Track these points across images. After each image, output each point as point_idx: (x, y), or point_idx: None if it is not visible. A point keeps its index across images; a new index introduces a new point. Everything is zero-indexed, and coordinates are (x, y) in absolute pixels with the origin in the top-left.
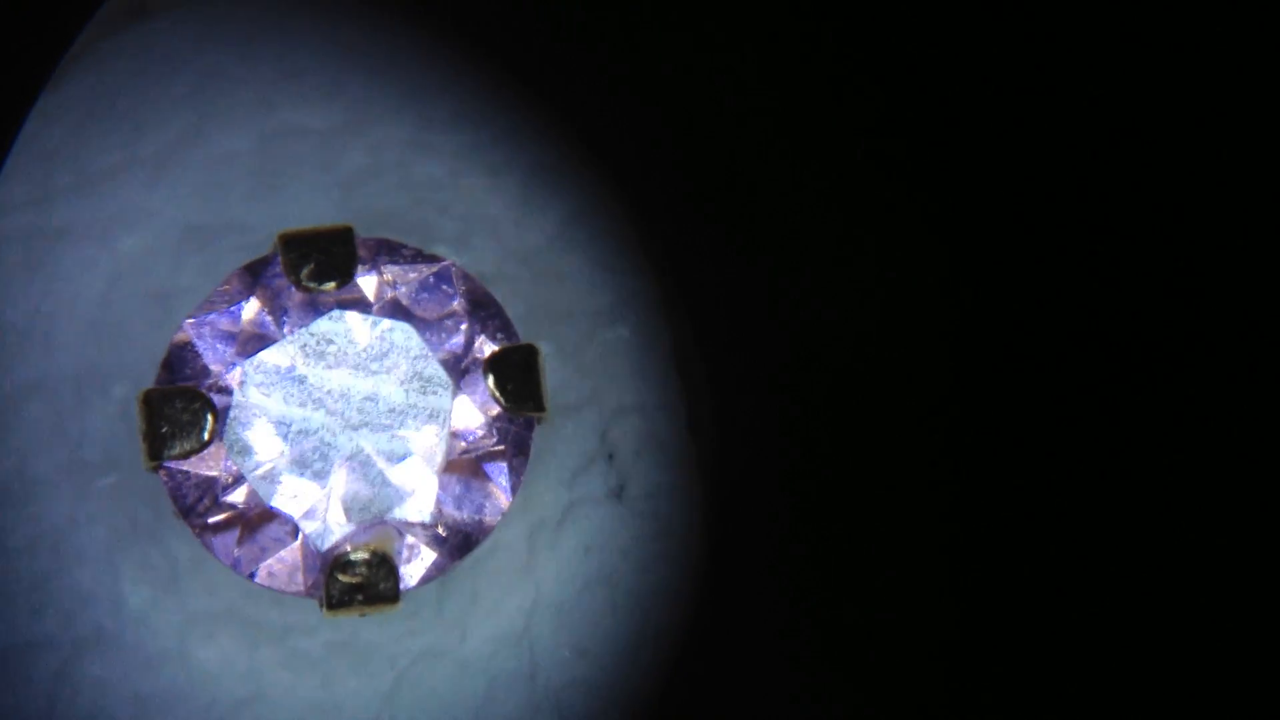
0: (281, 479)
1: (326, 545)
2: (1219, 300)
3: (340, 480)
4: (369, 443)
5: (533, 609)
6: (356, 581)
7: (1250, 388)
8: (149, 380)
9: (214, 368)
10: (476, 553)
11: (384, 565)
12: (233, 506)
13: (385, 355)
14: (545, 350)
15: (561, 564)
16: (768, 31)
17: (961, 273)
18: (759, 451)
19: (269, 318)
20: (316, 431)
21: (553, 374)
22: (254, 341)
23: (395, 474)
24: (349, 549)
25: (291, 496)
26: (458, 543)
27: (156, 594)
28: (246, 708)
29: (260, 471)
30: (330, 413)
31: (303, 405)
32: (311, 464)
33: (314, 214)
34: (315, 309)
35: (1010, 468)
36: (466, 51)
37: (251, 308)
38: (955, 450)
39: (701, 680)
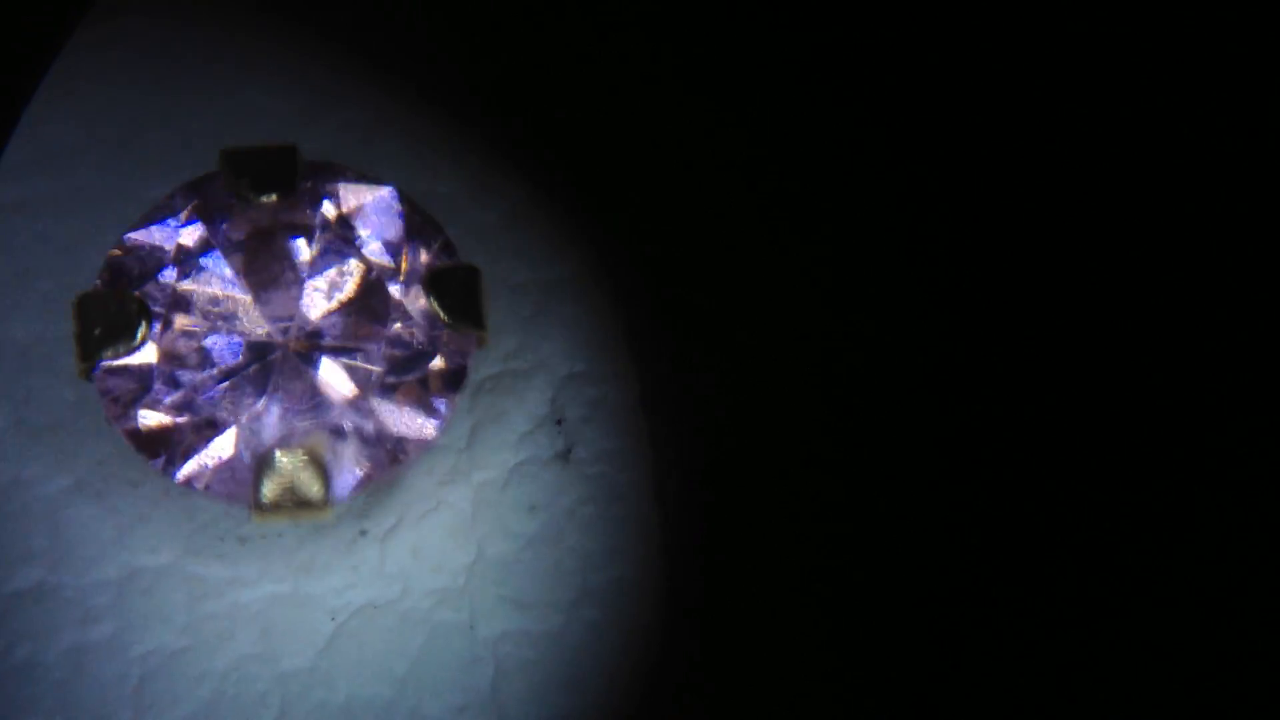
0: (215, 385)
1: (259, 445)
2: (1151, 296)
3: (275, 384)
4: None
5: (474, 564)
6: (286, 483)
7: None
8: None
9: (152, 277)
10: (420, 507)
11: (314, 467)
12: (166, 409)
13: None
14: (499, 320)
15: (505, 522)
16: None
17: (912, 250)
18: (711, 423)
19: (207, 229)
20: (253, 343)
21: (505, 341)
22: (193, 252)
23: (325, 371)
24: (279, 451)
25: (226, 401)
26: (389, 451)
27: (98, 549)
28: (182, 657)
29: (195, 378)
30: (268, 322)
31: (240, 316)
32: (246, 371)
33: None
34: (255, 223)
35: (962, 445)
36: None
37: (191, 221)
38: (901, 427)
39: (642, 633)
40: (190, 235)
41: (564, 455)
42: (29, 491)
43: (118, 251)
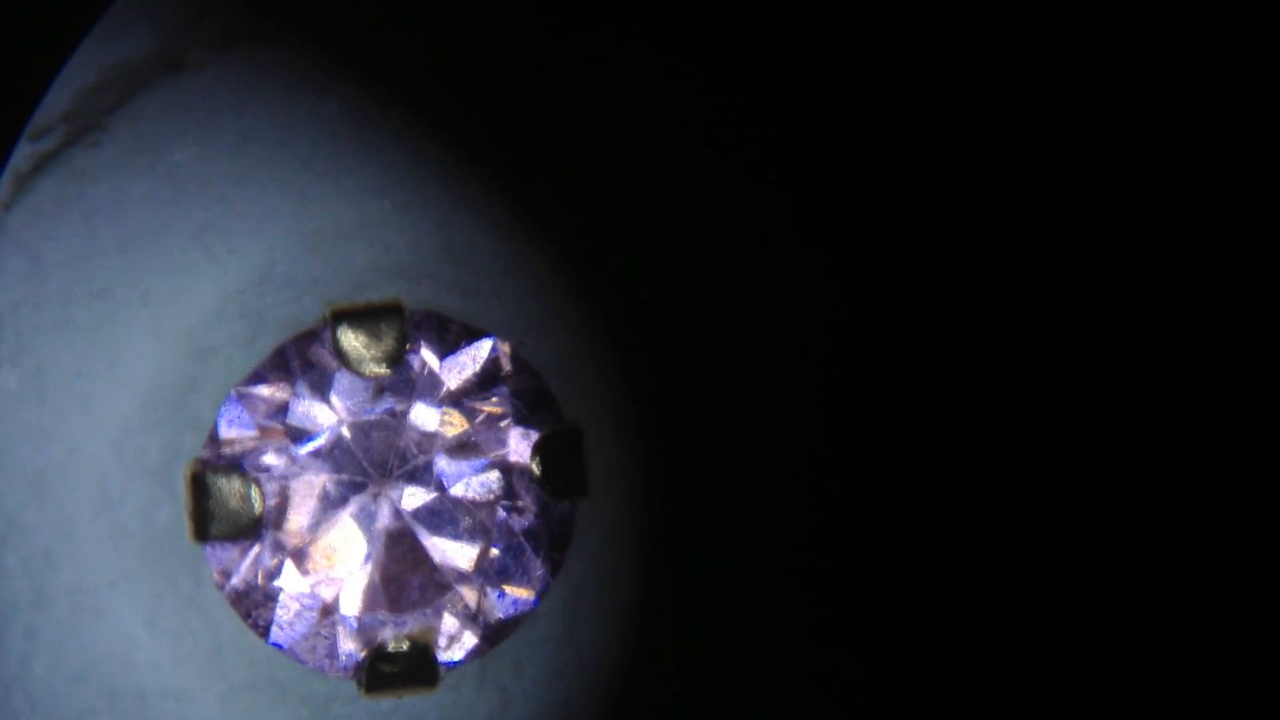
0: (323, 562)
1: (368, 634)
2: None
3: (382, 560)
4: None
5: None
6: (396, 670)
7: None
8: (190, 446)
9: (260, 444)
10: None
11: (424, 654)
12: (277, 589)
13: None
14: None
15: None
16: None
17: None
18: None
19: (315, 396)
20: (360, 509)
21: None
22: (299, 413)
23: (436, 547)
24: (390, 639)
25: (334, 581)
26: (496, 628)
27: (198, 663)
28: None
29: (304, 554)
30: (374, 487)
31: (348, 487)
32: (353, 545)
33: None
34: (362, 388)
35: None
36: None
37: (298, 385)
38: (899, 426)
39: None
40: (306, 410)
41: None
42: (124, 598)
43: (226, 411)
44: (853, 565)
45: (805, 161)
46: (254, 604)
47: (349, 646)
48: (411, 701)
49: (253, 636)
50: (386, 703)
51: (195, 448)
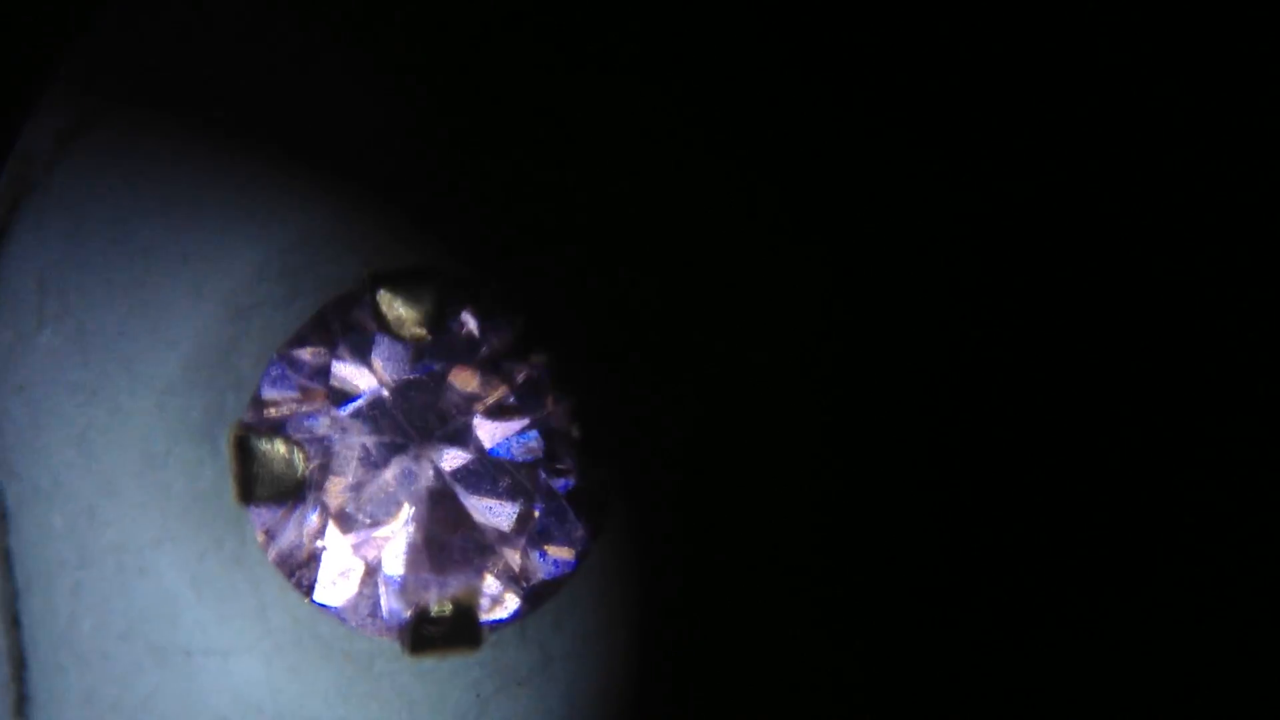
0: (368, 524)
1: (411, 595)
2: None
3: (424, 521)
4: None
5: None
6: (440, 631)
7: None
8: (230, 400)
9: (302, 406)
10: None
11: (467, 615)
12: (321, 549)
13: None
14: None
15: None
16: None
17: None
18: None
19: (356, 358)
20: (401, 471)
21: None
22: (341, 375)
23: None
24: (433, 601)
25: (377, 541)
26: (537, 589)
27: (243, 621)
28: None
29: (346, 515)
30: (415, 449)
31: (389, 448)
32: (396, 506)
33: None
34: (403, 350)
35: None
36: None
37: (339, 348)
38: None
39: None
40: (347, 372)
41: None
42: (168, 557)
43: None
44: (857, 553)
45: (803, 163)
46: (298, 564)
47: (392, 606)
48: (453, 659)
49: (296, 595)
50: (429, 660)
51: (238, 408)
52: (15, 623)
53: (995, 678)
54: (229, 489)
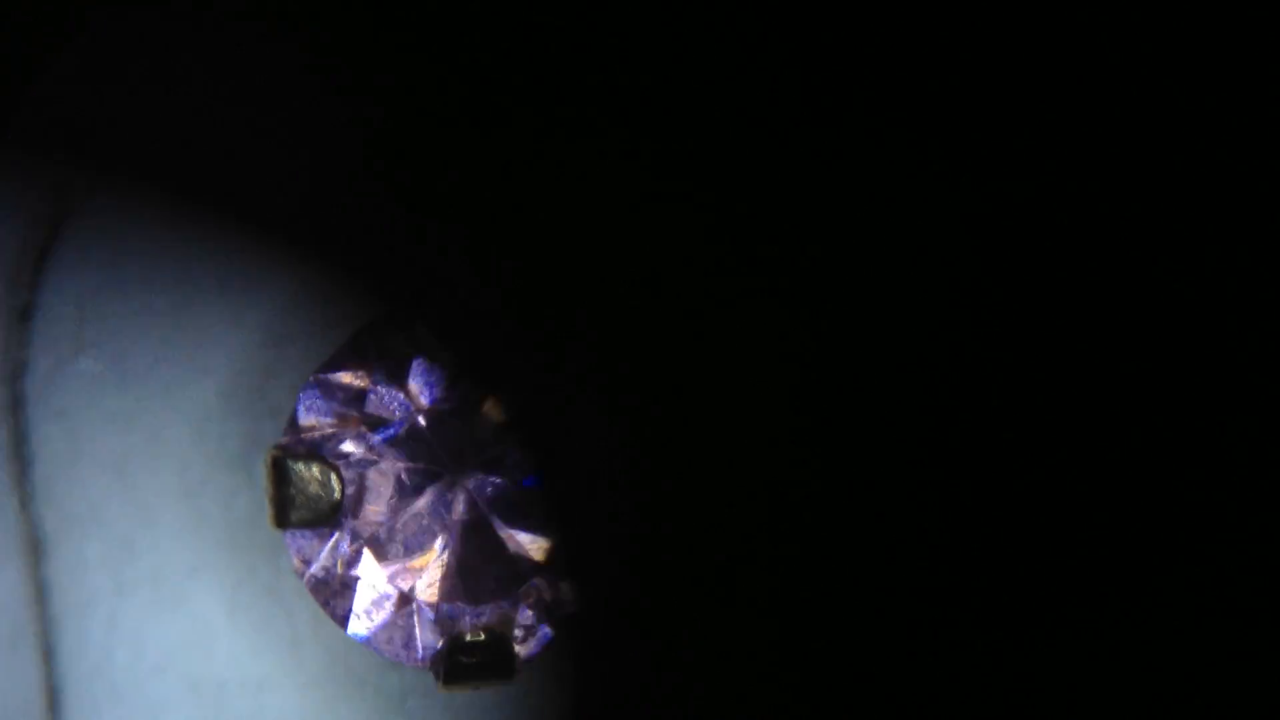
0: (401, 552)
1: (445, 625)
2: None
3: (458, 550)
4: (485, 507)
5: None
6: (474, 661)
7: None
8: (267, 428)
9: (337, 428)
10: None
11: (501, 645)
12: (355, 578)
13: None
14: None
15: None
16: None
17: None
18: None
19: (392, 383)
20: (436, 498)
21: None
22: (376, 400)
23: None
24: (467, 630)
25: (412, 570)
26: (570, 620)
27: (277, 654)
28: None
29: (380, 543)
30: (450, 476)
31: (423, 472)
32: (430, 535)
33: None
34: (439, 376)
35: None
36: None
37: (373, 369)
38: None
39: None
40: (383, 397)
41: None
42: (203, 586)
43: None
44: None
45: (802, 163)
46: (332, 593)
47: (427, 637)
48: (487, 694)
49: (330, 627)
50: (461, 697)
51: (274, 436)
52: (50, 654)
53: (995, 678)
54: (265, 516)
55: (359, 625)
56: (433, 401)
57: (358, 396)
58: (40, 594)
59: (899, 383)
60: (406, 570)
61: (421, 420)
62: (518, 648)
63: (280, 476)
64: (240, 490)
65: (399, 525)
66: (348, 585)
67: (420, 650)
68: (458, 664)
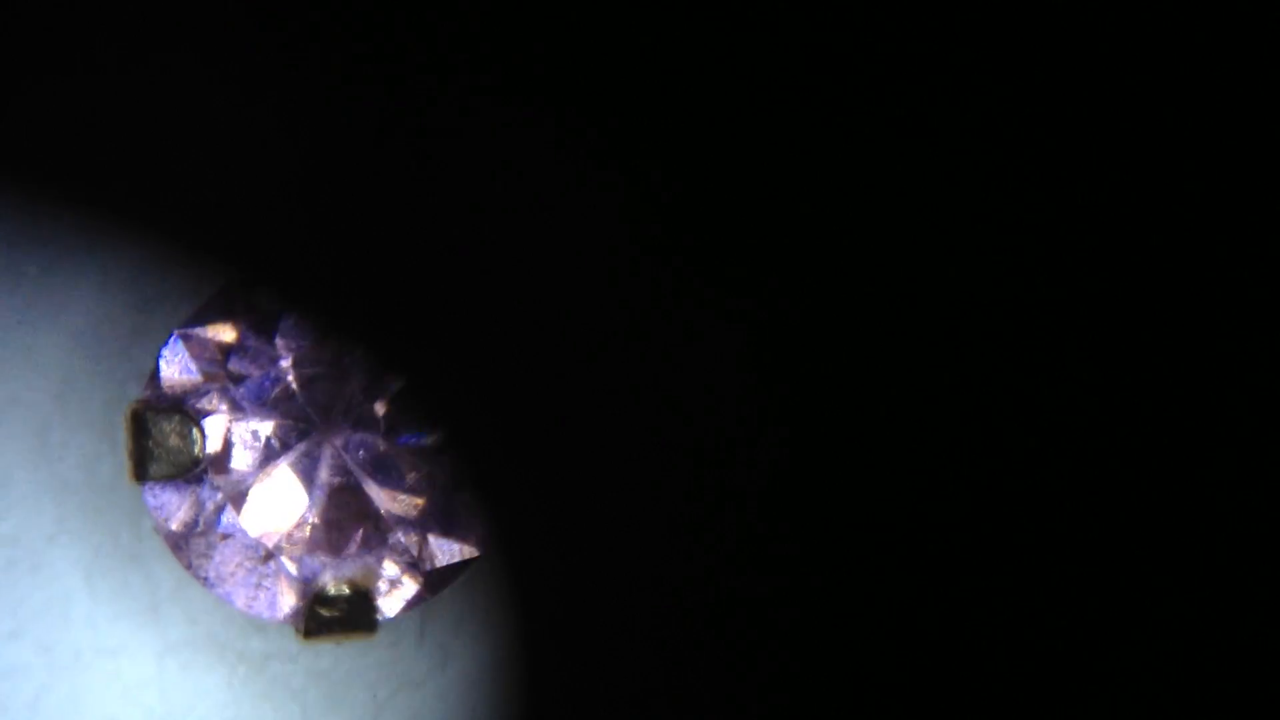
0: (263, 505)
1: (309, 577)
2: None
3: (324, 508)
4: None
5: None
6: (336, 614)
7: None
8: (131, 391)
9: (201, 384)
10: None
11: (363, 599)
12: (216, 532)
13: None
14: None
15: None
16: None
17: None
18: None
19: (260, 338)
20: (303, 456)
21: None
22: (242, 356)
23: (380, 496)
24: (330, 583)
25: (274, 525)
26: (437, 576)
27: (135, 619)
28: None
29: (244, 500)
30: (318, 434)
31: (290, 429)
32: (296, 492)
33: None
34: (308, 331)
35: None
36: None
37: (240, 324)
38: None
39: None
40: (250, 352)
41: None
42: (63, 553)
43: (167, 352)
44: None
45: (797, 164)
46: (194, 551)
47: (290, 595)
48: (350, 656)
49: (193, 589)
50: (324, 659)
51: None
52: None
53: (993, 679)
54: (125, 475)
55: (222, 585)
56: (302, 358)
57: (223, 352)
58: None
59: (891, 381)
60: (270, 529)
61: (290, 377)
62: (380, 602)
63: (139, 429)
64: (103, 455)
65: (264, 482)
66: (211, 545)
67: (283, 609)
68: (318, 616)
